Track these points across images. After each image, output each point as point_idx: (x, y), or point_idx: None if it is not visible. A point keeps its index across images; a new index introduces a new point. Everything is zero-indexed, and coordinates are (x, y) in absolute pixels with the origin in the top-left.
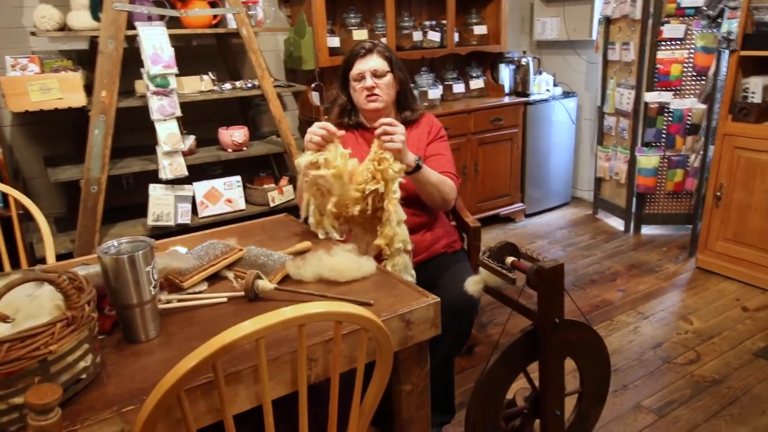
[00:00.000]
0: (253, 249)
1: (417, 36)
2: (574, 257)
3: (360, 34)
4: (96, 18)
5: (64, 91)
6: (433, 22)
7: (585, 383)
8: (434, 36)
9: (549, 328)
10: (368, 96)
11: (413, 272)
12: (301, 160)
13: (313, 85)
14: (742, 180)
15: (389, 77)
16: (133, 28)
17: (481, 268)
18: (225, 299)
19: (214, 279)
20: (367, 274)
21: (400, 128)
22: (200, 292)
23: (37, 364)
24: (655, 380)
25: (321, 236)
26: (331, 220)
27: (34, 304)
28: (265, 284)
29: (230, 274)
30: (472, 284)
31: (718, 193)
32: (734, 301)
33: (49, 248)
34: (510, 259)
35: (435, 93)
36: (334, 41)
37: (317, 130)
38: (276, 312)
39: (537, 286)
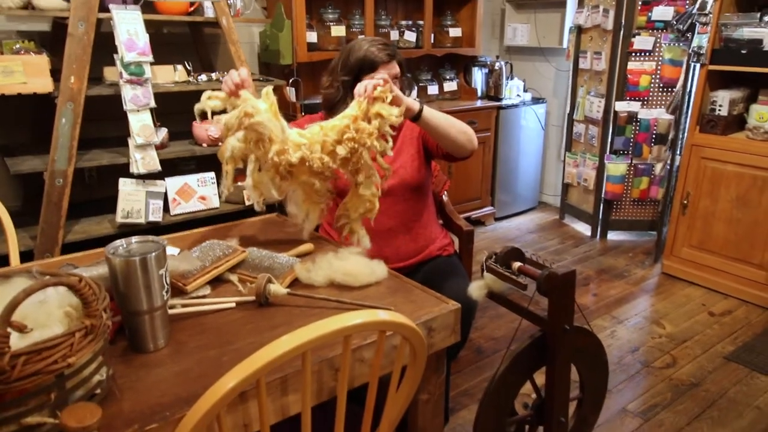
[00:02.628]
0: (255, 251)
1: (394, 35)
2: (545, 261)
3: (338, 30)
4: None
5: (28, 75)
6: (410, 22)
7: (585, 389)
8: (410, 36)
9: (559, 334)
10: None
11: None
12: (210, 103)
13: (290, 81)
14: (708, 189)
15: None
16: (105, 10)
17: (486, 273)
18: (233, 304)
19: (217, 282)
20: (380, 278)
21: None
22: (204, 296)
23: (54, 379)
24: (637, 384)
25: (257, 207)
26: (272, 175)
27: (42, 312)
28: (278, 289)
29: (234, 277)
30: (476, 290)
31: (685, 201)
32: (701, 306)
33: (13, 248)
34: (517, 265)
35: (411, 94)
36: (312, 36)
37: (235, 77)
38: (320, 324)
39: (548, 292)
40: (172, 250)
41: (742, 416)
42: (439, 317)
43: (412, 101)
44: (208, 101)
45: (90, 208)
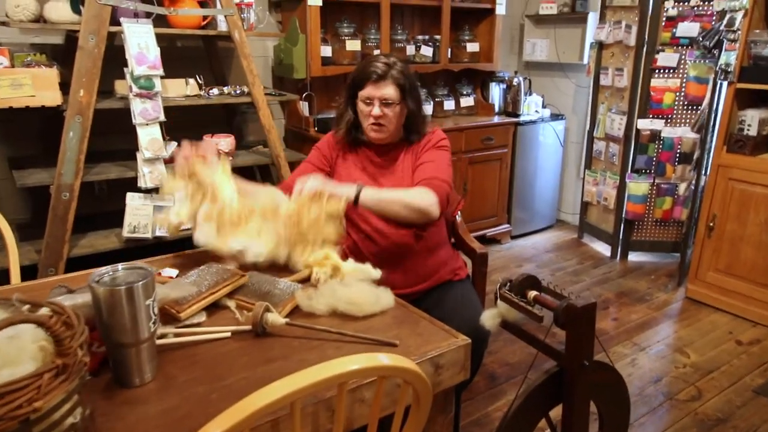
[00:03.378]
0: (255, 274)
1: (410, 50)
2: (563, 282)
3: (353, 45)
4: (77, 11)
5: (37, 88)
6: (427, 37)
7: (605, 426)
8: (427, 51)
9: (577, 370)
10: (373, 124)
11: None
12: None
13: (303, 95)
14: (736, 211)
15: (399, 107)
16: (117, 23)
17: (499, 302)
18: (229, 334)
19: (213, 308)
20: (385, 307)
21: (313, 185)
22: (199, 324)
23: (18, 426)
24: (660, 418)
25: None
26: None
27: (13, 347)
28: (276, 318)
29: (231, 303)
30: (489, 319)
31: (711, 224)
32: (727, 333)
33: (14, 262)
34: (532, 293)
35: (426, 109)
36: (327, 50)
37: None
38: (313, 371)
39: (566, 325)
40: (170, 272)
41: None
42: (447, 353)
43: (347, 191)
44: (169, 185)
45: (99, 221)
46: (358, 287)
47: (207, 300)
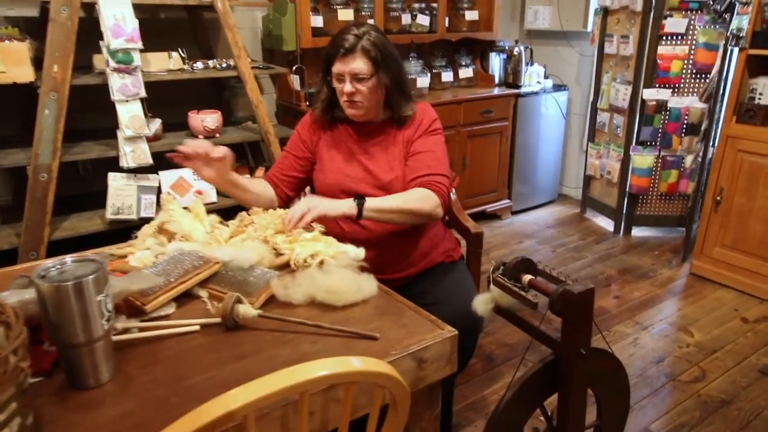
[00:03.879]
0: (232, 261)
1: (406, 19)
2: (564, 259)
3: (345, 14)
4: None
5: (7, 63)
6: (423, 5)
7: (603, 415)
8: (423, 20)
9: (574, 359)
10: (347, 101)
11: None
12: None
13: (293, 68)
14: (744, 185)
15: (373, 81)
16: None
17: (492, 287)
18: (197, 327)
19: (185, 298)
20: (367, 296)
21: (300, 207)
22: (167, 317)
23: None
24: (662, 400)
25: None
26: None
27: None
28: (247, 310)
29: (204, 293)
30: (482, 304)
31: (718, 198)
32: (733, 311)
33: None
34: (527, 278)
35: (423, 81)
36: (318, 21)
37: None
38: (271, 378)
39: (562, 312)
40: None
41: None
42: (432, 346)
43: (347, 207)
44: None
45: (83, 202)
46: (338, 274)
47: (175, 290)
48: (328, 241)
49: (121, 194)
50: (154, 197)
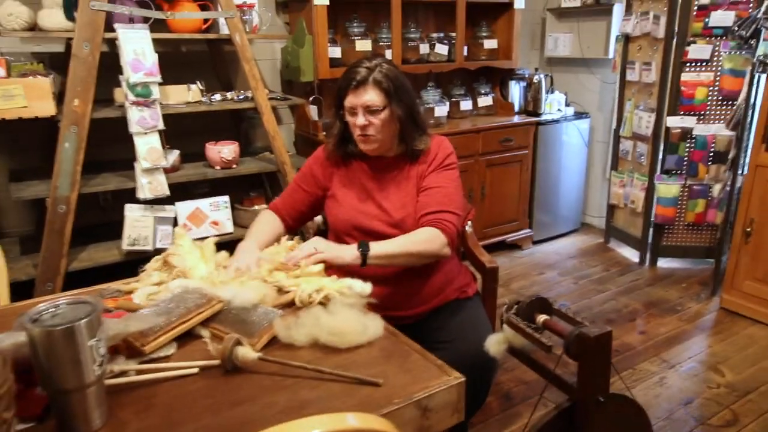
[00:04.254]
0: (237, 298)
1: (424, 49)
2: (587, 291)
3: (363, 45)
4: (70, 18)
5: (29, 98)
6: (441, 35)
7: None
8: (442, 49)
9: (591, 406)
10: (360, 135)
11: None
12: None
13: (311, 99)
14: None
15: (386, 113)
16: (113, 30)
17: (505, 326)
18: (196, 370)
19: (187, 337)
20: (372, 337)
21: (306, 249)
22: (167, 358)
23: None
24: None
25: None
26: None
27: None
28: (247, 352)
29: (206, 333)
30: (495, 344)
31: (749, 229)
32: (766, 349)
33: (2, 282)
34: (542, 318)
35: (442, 110)
36: (336, 51)
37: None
38: None
39: (578, 356)
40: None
41: None
42: (437, 394)
43: (351, 256)
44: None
45: (103, 232)
46: (343, 315)
47: (176, 331)
48: (333, 277)
49: (138, 225)
50: (170, 228)
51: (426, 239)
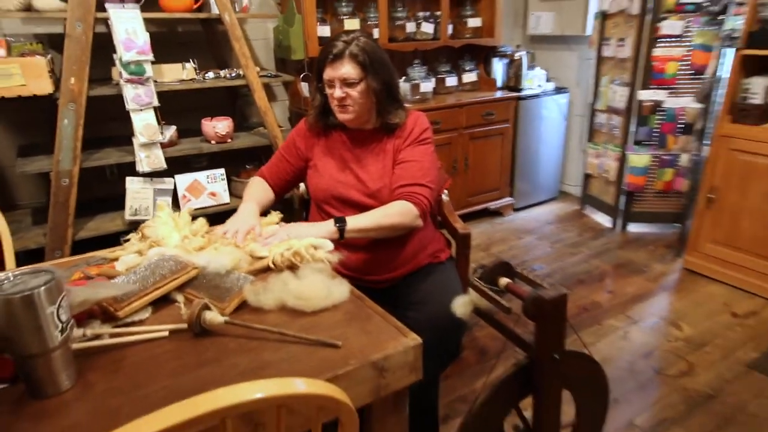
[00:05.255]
0: (208, 266)
1: (410, 27)
2: (561, 255)
3: (351, 24)
4: None
5: (27, 77)
6: (427, 14)
7: (581, 415)
8: (428, 28)
9: (547, 363)
10: (338, 106)
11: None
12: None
13: (302, 76)
14: (737, 183)
15: (362, 85)
16: (105, 10)
17: (470, 290)
18: (166, 333)
19: (162, 303)
20: (338, 301)
21: (280, 236)
22: (141, 322)
23: None
24: (648, 394)
25: None
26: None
27: None
28: (214, 317)
29: (180, 297)
30: (461, 306)
31: (711, 196)
32: (723, 305)
33: (8, 250)
34: (504, 281)
35: (427, 86)
36: (325, 30)
37: None
38: (183, 405)
39: (535, 317)
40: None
41: None
42: (394, 355)
43: (327, 231)
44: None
45: (110, 204)
46: (310, 280)
47: (150, 296)
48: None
49: (138, 197)
50: (169, 199)
51: (398, 212)
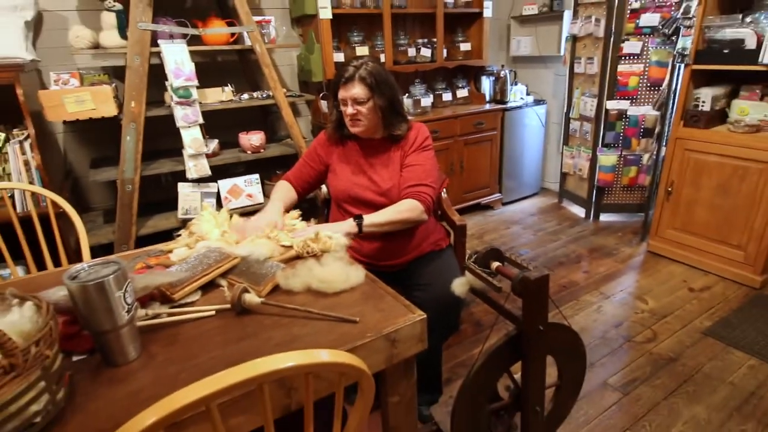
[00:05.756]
0: (250, 255)
1: (411, 52)
2: (543, 241)
3: (362, 50)
4: (124, 37)
5: (96, 102)
6: (425, 40)
7: (563, 377)
8: (426, 52)
9: (533, 334)
10: (350, 121)
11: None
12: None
13: (321, 95)
14: (691, 178)
15: (370, 103)
16: (158, 45)
17: (466, 272)
18: (213, 312)
19: (209, 287)
20: (355, 284)
21: (308, 234)
22: (192, 303)
23: None
24: (619, 358)
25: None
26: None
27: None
28: (252, 298)
29: (224, 283)
30: (459, 286)
31: (669, 189)
32: (682, 282)
33: (84, 245)
34: (495, 265)
35: (427, 101)
36: (340, 56)
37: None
38: (228, 372)
39: (522, 294)
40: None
41: (716, 392)
42: (403, 329)
43: (348, 226)
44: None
45: (165, 206)
46: (331, 266)
47: (199, 282)
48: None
49: (188, 199)
50: (214, 200)
51: (408, 209)
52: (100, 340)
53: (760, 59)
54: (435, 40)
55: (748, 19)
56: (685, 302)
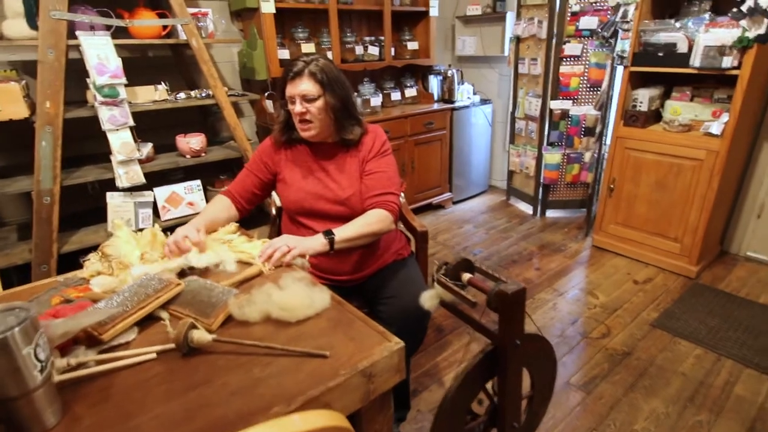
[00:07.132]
0: (193, 280)
1: (359, 50)
2: (495, 239)
3: (307, 47)
4: (33, 27)
5: (2, 102)
6: (373, 38)
7: (536, 387)
8: (374, 50)
9: (510, 349)
10: (300, 123)
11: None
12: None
13: (266, 94)
14: (631, 175)
15: (321, 101)
16: (76, 37)
17: (436, 285)
18: (154, 355)
19: (148, 321)
20: (320, 309)
21: (277, 245)
22: (128, 344)
23: None
24: (578, 356)
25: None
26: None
27: None
28: (202, 335)
29: (165, 315)
30: (428, 300)
31: (612, 186)
32: (626, 275)
33: None
34: (467, 276)
35: (376, 101)
36: (284, 53)
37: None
38: None
39: (498, 309)
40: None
41: (669, 384)
42: (380, 361)
43: (320, 244)
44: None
45: (92, 217)
46: (292, 290)
47: (133, 317)
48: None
49: (120, 210)
50: (150, 211)
51: (378, 220)
52: (5, 409)
53: (690, 62)
54: (383, 38)
55: (677, 24)
56: (631, 295)
